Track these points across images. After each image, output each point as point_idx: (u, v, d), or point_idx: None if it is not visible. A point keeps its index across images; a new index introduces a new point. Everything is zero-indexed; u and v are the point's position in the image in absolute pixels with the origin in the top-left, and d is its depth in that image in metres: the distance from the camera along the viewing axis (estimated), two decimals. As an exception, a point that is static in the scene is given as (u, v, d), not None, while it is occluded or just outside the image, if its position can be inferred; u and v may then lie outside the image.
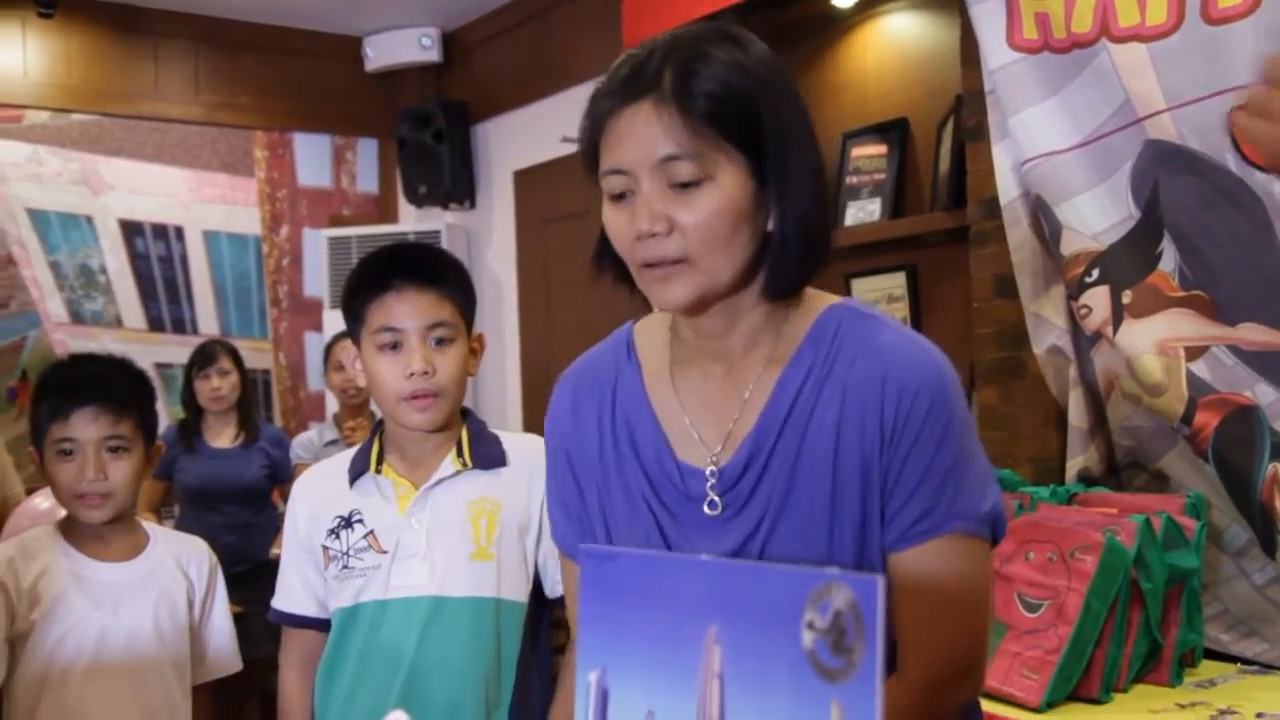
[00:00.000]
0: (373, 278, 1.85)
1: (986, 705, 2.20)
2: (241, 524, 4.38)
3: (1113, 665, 2.22)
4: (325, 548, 1.89)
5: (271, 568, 4.35)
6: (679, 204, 1.20)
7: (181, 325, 5.60)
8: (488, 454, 1.89)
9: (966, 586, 1.24)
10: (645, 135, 1.20)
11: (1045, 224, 2.71)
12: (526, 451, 1.90)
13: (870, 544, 1.24)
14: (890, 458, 1.22)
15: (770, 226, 1.24)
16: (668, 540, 1.28)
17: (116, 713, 2.03)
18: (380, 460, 1.90)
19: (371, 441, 1.93)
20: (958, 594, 1.23)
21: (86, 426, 1.99)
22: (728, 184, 1.20)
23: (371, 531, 1.86)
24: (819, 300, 1.32)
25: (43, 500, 3.47)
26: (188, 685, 2.14)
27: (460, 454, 1.88)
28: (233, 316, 5.76)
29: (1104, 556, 2.20)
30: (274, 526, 4.53)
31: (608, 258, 1.32)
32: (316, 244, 5.79)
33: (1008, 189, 2.81)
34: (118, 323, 5.37)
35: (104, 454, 2.00)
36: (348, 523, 1.87)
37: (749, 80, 1.21)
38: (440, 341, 1.83)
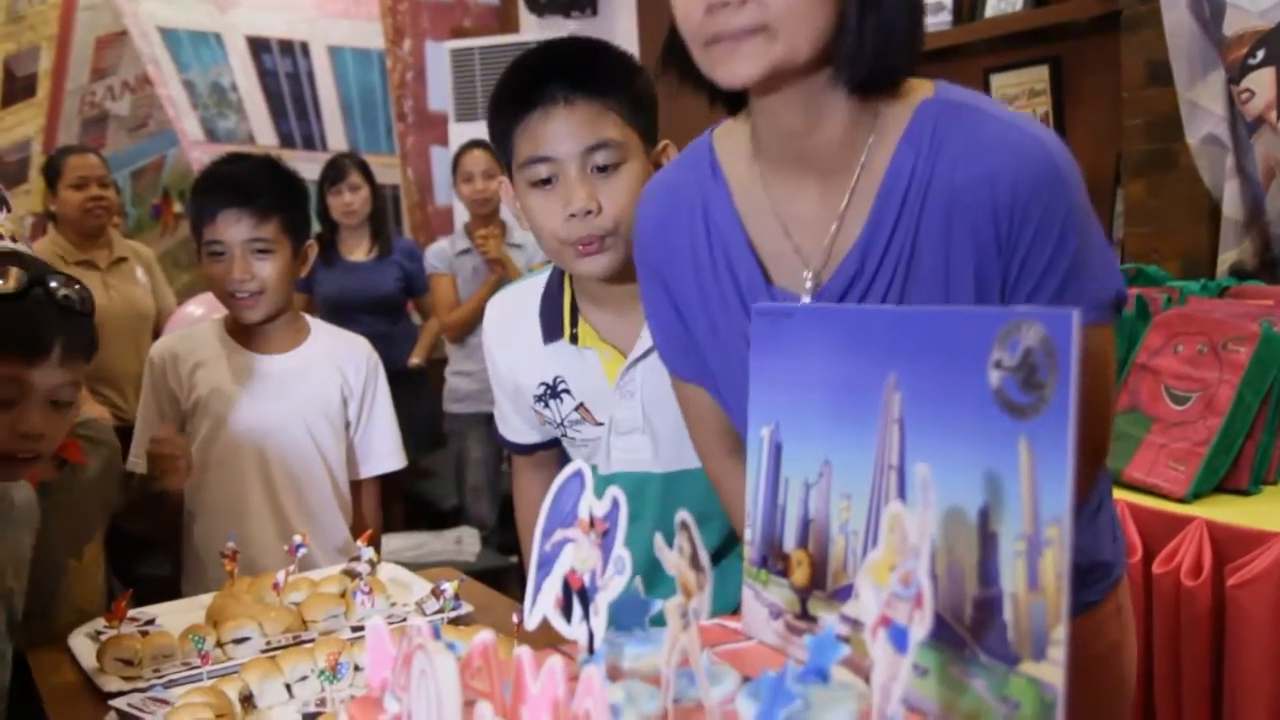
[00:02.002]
0: (513, 92, 1.52)
1: (1131, 496, 2.20)
2: (379, 334, 4.47)
3: (1263, 457, 2.19)
4: (538, 413, 1.70)
5: (409, 375, 4.50)
6: None
7: (311, 141, 5.68)
8: None
9: (1096, 375, 1.15)
10: None
11: (1206, 3, 2.56)
12: None
13: None
14: (1008, 261, 1.12)
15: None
16: None
17: (273, 499, 2.13)
18: (574, 314, 1.63)
19: (560, 288, 1.66)
20: (1089, 385, 1.18)
21: (231, 229, 2.04)
22: None
23: (582, 404, 1.64)
24: (913, 95, 1.17)
25: (195, 308, 3.63)
26: (344, 479, 2.23)
27: None
28: (360, 132, 5.81)
29: (1259, 347, 2.14)
30: (410, 336, 4.66)
31: (675, 53, 1.17)
32: (439, 57, 5.75)
33: (1165, -33, 2.66)
34: (250, 140, 5.47)
35: (250, 255, 2.05)
36: (554, 392, 1.66)
37: None
38: (604, 168, 1.49)
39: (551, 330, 1.64)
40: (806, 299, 1.17)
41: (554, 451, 1.82)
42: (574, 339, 1.62)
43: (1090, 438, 1.20)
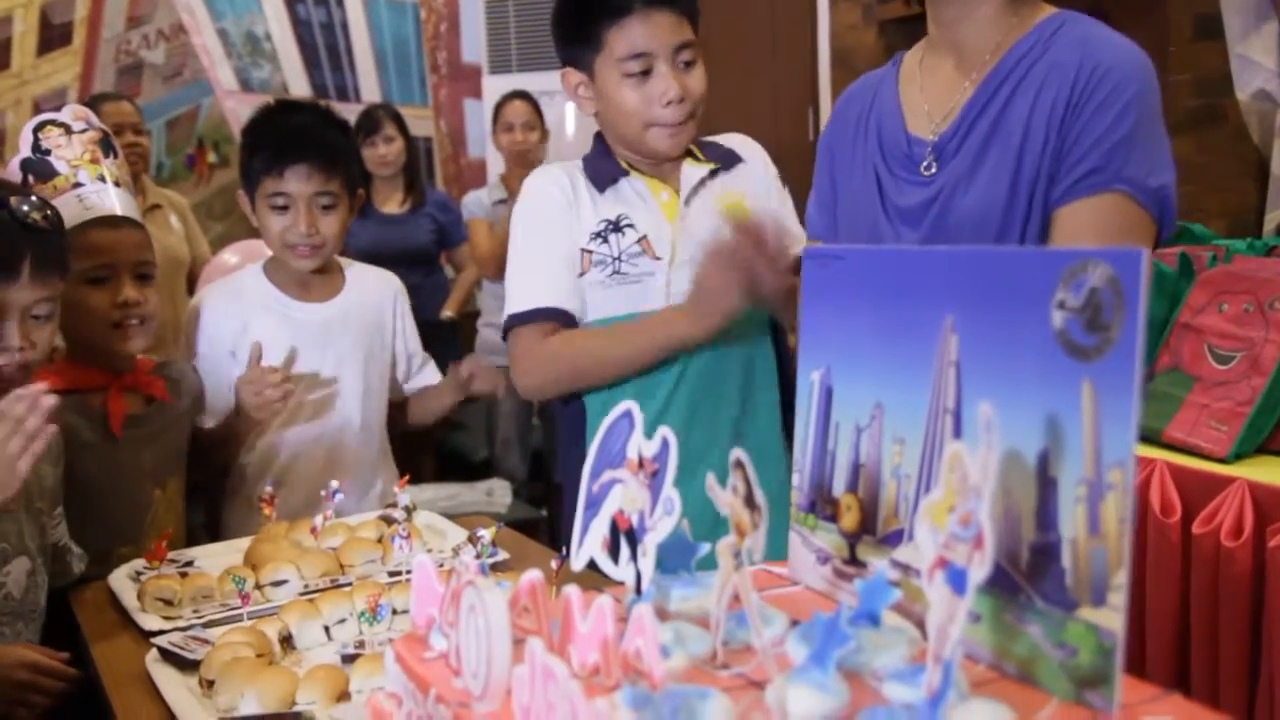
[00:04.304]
0: None
1: (1172, 457, 2.17)
2: (411, 286, 4.44)
3: (1308, 417, 2.16)
4: (588, 251, 1.79)
5: (442, 328, 4.49)
6: None
7: (345, 93, 5.66)
8: (720, 154, 1.87)
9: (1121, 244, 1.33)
10: None
11: (1260, -45, 2.51)
12: (746, 145, 1.92)
13: (1045, 206, 1.40)
14: (1070, 125, 1.37)
15: None
16: (883, 195, 1.53)
17: (328, 446, 2.14)
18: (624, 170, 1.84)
19: (605, 153, 1.86)
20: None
21: (300, 183, 2.03)
22: None
23: (645, 237, 1.80)
24: (1048, 9, 1.47)
25: (231, 256, 3.63)
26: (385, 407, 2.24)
27: (697, 158, 1.85)
28: (393, 84, 5.79)
29: (1307, 306, 2.11)
30: (443, 289, 4.65)
31: None
32: (473, 8, 5.71)
33: (1218, -83, 2.61)
34: (284, 90, 5.46)
35: (316, 209, 2.05)
36: (616, 227, 1.80)
37: None
38: (688, 64, 1.79)
39: (608, 175, 1.83)
40: (929, 143, 1.49)
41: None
42: (630, 173, 1.83)
43: None
